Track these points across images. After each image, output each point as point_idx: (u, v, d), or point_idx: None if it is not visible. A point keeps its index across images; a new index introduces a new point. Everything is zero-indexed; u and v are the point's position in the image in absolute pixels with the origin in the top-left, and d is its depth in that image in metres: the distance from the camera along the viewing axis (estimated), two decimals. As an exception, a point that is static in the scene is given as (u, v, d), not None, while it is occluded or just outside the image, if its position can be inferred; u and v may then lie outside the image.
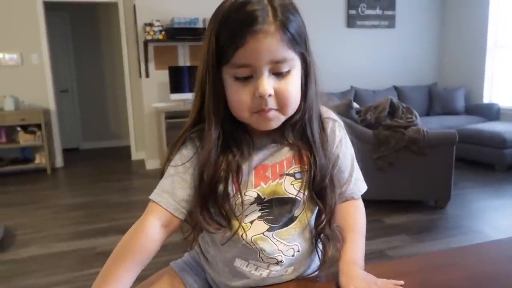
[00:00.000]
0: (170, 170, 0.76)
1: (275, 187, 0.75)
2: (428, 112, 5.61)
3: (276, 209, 0.76)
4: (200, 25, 4.69)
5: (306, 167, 0.75)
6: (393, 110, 3.26)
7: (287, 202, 0.76)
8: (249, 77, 0.67)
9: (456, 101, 5.46)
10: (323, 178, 0.74)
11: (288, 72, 0.68)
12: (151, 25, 4.53)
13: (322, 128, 0.77)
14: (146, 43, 4.60)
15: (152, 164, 4.91)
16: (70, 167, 5.17)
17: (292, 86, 0.69)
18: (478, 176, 4.07)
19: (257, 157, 0.75)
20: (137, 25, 4.72)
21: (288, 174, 0.75)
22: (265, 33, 0.64)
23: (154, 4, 4.65)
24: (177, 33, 4.52)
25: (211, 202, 0.72)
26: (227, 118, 0.72)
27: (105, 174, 4.74)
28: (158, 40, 4.57)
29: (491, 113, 5.21)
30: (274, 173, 0.75)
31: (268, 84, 0.66)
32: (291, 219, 0.77)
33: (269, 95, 0.66)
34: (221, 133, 0.72)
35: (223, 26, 0.66)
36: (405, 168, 3.09)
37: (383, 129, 3.13)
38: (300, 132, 0.75)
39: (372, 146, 3.08)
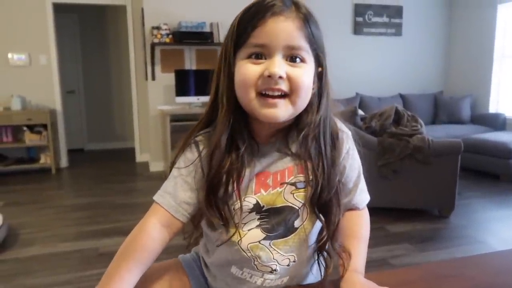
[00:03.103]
0: (173, 172, 0.77)
1: (275, 196, 0.75)
2: (434, 120, 5.59)
3: (274, 218, 0.75)
4: (207, 29, 4.72)
5: (311, 177, 0.74)
6: (398, 118, 3.25)
7: (285, 211, 0.75)
8: (262, 58, 0.68)
9: (462, 110, 5.44)
10: (330, 193, 0.74)
11: (302, 61, 0.69)
12: (158, 28, 4.56)
13: (333, 141, 0.77)
14: (153, 46, 4.63)
15: (156, 166, 4.92)
16: (74, 167, 5.19)
17: (305, 76, 0.69)
18: (482, 186, 4.04)
19: (259, 164, 0.75)
20: (144, 28, 4.76)
21: (288, 183, 0.75)
22: (285, 16, 0.67)
23: (162, 7, 4.68)
24: (184, 36, 4.54)
25: (211, 203, 0.73)
26: (237, 110, 0.72)
27: (109, 175, 4.75)
28: (165, 43, 4.59)
29: (497, 123, 5.18)
30: (275, 181, 0.75)
31: (280, 66, 0.67)
32: (290, 230, 0.76)
33: (280, 77, 0.66)
34: (232, 121, 0.72)
35: (245, 13, 0.69)
36: (409, 176, 3.08)
37: (388, 137, 3.12)
38: (312, 145, 0.74)
39: (376, 154, 3.07)
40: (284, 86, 0.68)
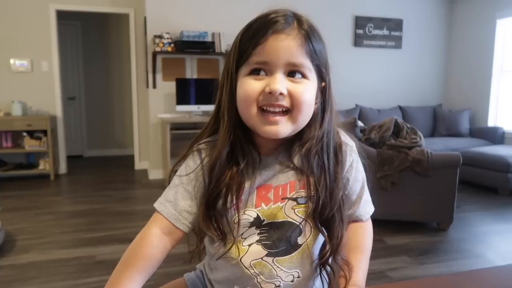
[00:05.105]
0: (175, 180, 0.77)
1: (276, 210, 0.74)
2: (433, 133, 5.61)
3: (274, 234, 0.75)
4: (208, 39, 4.76)
5: (313, 193, 0.73)
6: (397, 130, 3.26)
7: (285, 227, 0.75)
8: (263, 74, 0.68)
9: (460, 123, 5.46)
10: (332, 209, 0.73)
11: (303, 77, 0.69)
12: (160, 37, 4.59)
13: (336, 155, 0.76)
14: (154, 54, 4.66)
15: (155, 174, 4.92)
16: (73, 174, 5.19)
17: (306, 92, 0.69)
18: (481, 199, 4.04)
19: (260, 177, 0.75)
20: (146, 37, 4.79)
21: (290, 198, 0.74)
22: (287, 34, 0.67)
23: (164, 16, 4.73)
24: (185, 46, 4.58)
25: (210, 214, 0.73)
26: (239, 125, 0.72)
27: (108, 182, 4.75)
28: (166, 52, 4.62)
29: (496, 136, 5.20)
30: (276, 195, 0.75)
31: (281, 82, 0.67)
32: (294, 247, 0.76)
33: (280, 94, 0.67)
34: (233, 136, 0.72)
35: (247, 29, 0.70)
36: (408, 188, 3.08)
37: (387, 149, 3.13)
38: (314, 160, 0.73)
39: (375, 165, 3.08)
40: (285, 102, 0.68)
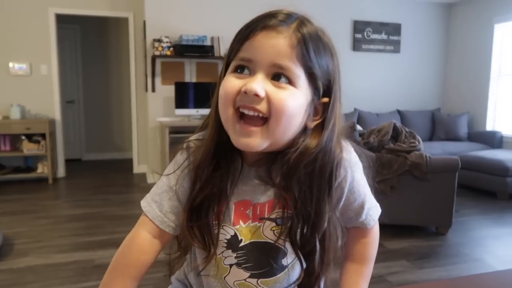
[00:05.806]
0: (162, 179, 0.74)
1: (254, 230, 0.70)
2: (431, 137, 5.62)
3: (253, 255, 0.71)
4: (207, 42, 4.77)
5: (290, 212, 0.66)
6: (396, 134, 3.27)
7: (266, 248, 0.70)
8: (247, 73, 0.63)
9: (459, 128, 5.48)
10: (312, 237, 0.67)
11: (290, 83, 0.61)
12: (159, 41, 4.60)
13: (330, 181, 0.67)
14: (154, 58, 4.66)
15: (154, 178, 4.91)
16: (71, 177, 5.17)
17: (288, 101, 0.60)
18: (479, 203, 4.04)
19: (237, 190, 0.70)
20: (146, 40, 4.80)
21: (268, 219, 0.70)
22: (278, 32, 0.60)
23: (163, 20, 4.74)
24: (184, 49, 4.58)
25: (192, 224, 0.69)
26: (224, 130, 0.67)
27: (106, 186, 4.73)
28: (165, 56, 4.63)
29: (494, 140, 5.22)
30: (254, 214, 0.70)
31: (258, 83, 0.60)
32: (279, 269, 0.72)
33: (256, 95, 0.59)
34: (219, 138, 0.67)
35: (244, 26, 0.64)
36: (407, 193, 3.08)
37: (386, 153, 3.13)
38: (296, 183, 0.65)
39: (374, 169, 3.08)
40: (261, 107, 0.60)
